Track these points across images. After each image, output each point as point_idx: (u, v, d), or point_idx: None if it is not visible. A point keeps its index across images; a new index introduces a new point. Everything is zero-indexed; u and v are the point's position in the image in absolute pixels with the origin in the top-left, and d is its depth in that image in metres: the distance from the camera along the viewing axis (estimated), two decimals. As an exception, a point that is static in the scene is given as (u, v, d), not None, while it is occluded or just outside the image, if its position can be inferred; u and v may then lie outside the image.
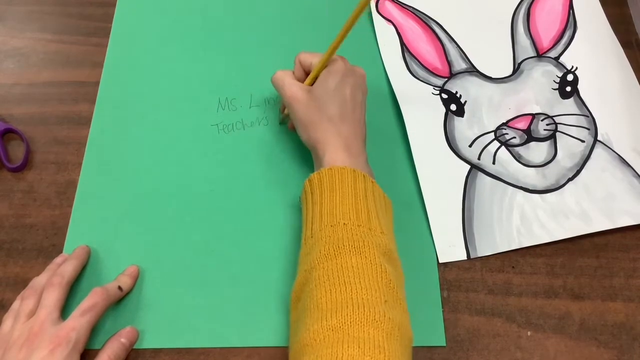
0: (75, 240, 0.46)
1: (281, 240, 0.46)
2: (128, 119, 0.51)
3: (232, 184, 0.48)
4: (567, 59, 0.53)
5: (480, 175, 0.48)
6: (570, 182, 0.47)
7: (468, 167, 0.48)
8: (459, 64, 0.53)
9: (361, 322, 0.32)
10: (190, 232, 0.46)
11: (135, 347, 0.41)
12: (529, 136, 0.49)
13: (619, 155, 0.48)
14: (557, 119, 0.50)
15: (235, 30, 0.56)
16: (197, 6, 0.58)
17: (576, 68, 0.52)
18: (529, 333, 0.42)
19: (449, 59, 0.53)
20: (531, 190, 0.47)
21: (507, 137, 0.49)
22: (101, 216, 0.47)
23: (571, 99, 0.51)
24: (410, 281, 0.43)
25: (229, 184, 0.48)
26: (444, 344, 0.41)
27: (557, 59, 0.53)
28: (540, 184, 0.47)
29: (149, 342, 0.42)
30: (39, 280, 0.42)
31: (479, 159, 0.48)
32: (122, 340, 0.40)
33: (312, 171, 0.43)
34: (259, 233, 0.46)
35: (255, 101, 0.52)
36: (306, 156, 0.49)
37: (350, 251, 0.36)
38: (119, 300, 0.43)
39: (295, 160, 0.49)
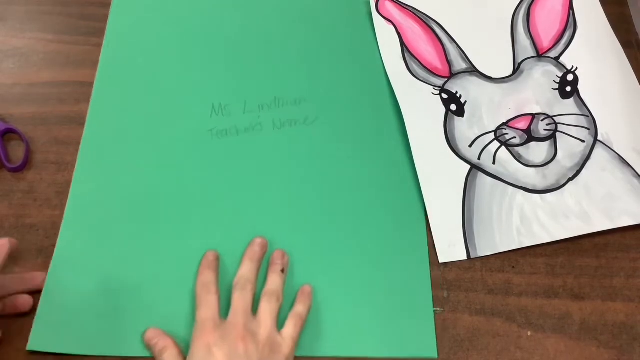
0: (67, 243, 0.45)
1: (274, 246, 0.45)
2: (121, 122, 0.51)
3: (225, 190, 0.47)
4: (567, 59, 0.53)
5: (481, 175, 0.48)
6: (570, 182, 0.47)
7: (468, 167, 0.48)
8: (459, 64, 0.53)
9: None
10: (183, 236, 0.45)
11: (133, 355, 0.41)
12: (529, 136, 0.49)
13: (619, 155, 0.48)
14: (557, 119, 0.50)
15: (231, 35, 0.55)
16: (192, 11, 0.57)
17: (576, 68, 0.52)
18: (529, 333, 0.42)
19: (449, 59, 0.53)
20: (531, 190, 0.47)
21: (507, 137, 0.49)
22: (92, 219, 0.46)
23: (571, 99, 0.51)
24: (403, 287, 0.44)
25: (222, 189, 0.47)
26: (436, 356, 0.41)
27: (557, 59, 0.53)
28: (541, 184, 0.47)
29: (143, 351, 0.41)
30: None
31: (479, 159, 0.49)
32: None
33: (307, 177, 0.45)
34: (248, 237, 0.45)
35: (250, 107, 0.51)
36: (300, 162, 0.49)
37: None
38: (117, 307, 0.42)
39: (289, 166, 0.48)
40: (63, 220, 0.46)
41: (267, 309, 0.40)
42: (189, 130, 0.50)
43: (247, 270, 0.42)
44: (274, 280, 0.42)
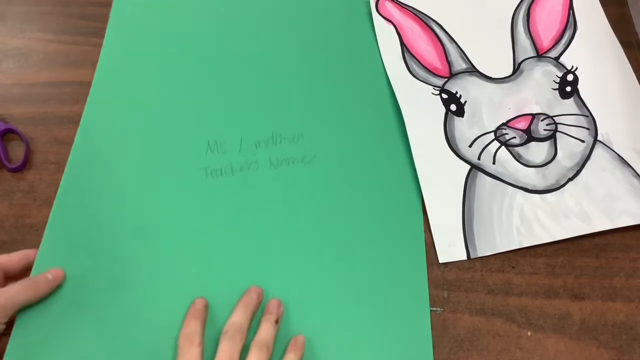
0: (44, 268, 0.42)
1: (268, 287, 0.43)
2: (109, 155, 0.49)
3: (218, 231, 0.45)
4: (567, 59, 0.53)
5: (481, 175, 0.48)
6: (570, 182, 0.47)
7: (468, 167, 0.48)
8: (459, 64, 0.53)
9: None
10: (170, 279, 0.43)
11: None
12: (529, 136, 0.49)
13: (619, 155, 0.48)
14: (557, 119, 0.50)
15: (229, 71, 0.53)
16: (189, 45, 0.55)
17: (576, 68, 0.52)
18: (529, 333, 0.42)
19: (449, 59, 0.53)
20: (531, 190, 0.47)
21: (507, 137, 0.49)
22: (73, 251, 0.44)
23: (571, 99, 0.51)
24: (401, 290, 0.43)
25: (215, 231, 0.45)
26: None
27: (557, 59, 0.53)
28: (540, 184, 0.47)
29: None
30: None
31: (479, 159, 0.49)
32: None
33: (302, 220, 0.44)
34: (242, 282, 0.43)
35: (246, 144, 0.49)
36: (297, 205, 0.47)
37: None
38: (94, 347, 0.40)
39: (286, 208, 0.46)
40: (40, 247, 0.44)
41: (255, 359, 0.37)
42: (182, 170, 0.48)
43: (239, 318, 0.39)
44: (267, 330, 0.39)
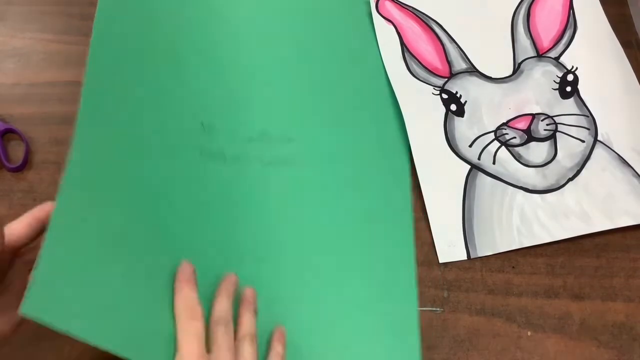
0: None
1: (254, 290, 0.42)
2: (108, 131, 0.45)
3: (207, 224, 0.43)
4: (567, 59, 0.53)
5: (481, 175, 0.48)
6: (570, 182, 0.47)
7: (468, 167, 0.48)
8: (459, 64, 0.53)
9: None
10: (157, 262, 0.40)
11: None
12: (529, 136, 0.49)
13: (619, 155, 0.48)
14: (557, 119, 0.50)
15: (225, 70, 0.52)
16: (187, 27, 0.53)
17: (576, 68, 0.52)
18: (529, 333, 0.42)
19: (449, 59, 0.53)
20: (531, 190, 0.47)
21: (507, 137, 0.49)
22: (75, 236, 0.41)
23: (571, 99, 0.51)
24: (388, 289, 0.43)
25: (204, 223, 0.43)
26: None
27: (557, 59, 0.53)
28: (541, 184, 0.47)
29: None
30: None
31: (479, 159, 0.49)
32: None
33: (294, 218, 0.44)
34: (217, 272, 0.41)
35: (239, 140, 0.48)
36: (289, 200, 0.46)
37: None
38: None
39: (278, 204, 0.46)
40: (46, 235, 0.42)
41: (250, 352, 0.37)
42: (176, 150, 0.45)
43: (225, 307, 0.38)
44: (251, 320, 0.39)
